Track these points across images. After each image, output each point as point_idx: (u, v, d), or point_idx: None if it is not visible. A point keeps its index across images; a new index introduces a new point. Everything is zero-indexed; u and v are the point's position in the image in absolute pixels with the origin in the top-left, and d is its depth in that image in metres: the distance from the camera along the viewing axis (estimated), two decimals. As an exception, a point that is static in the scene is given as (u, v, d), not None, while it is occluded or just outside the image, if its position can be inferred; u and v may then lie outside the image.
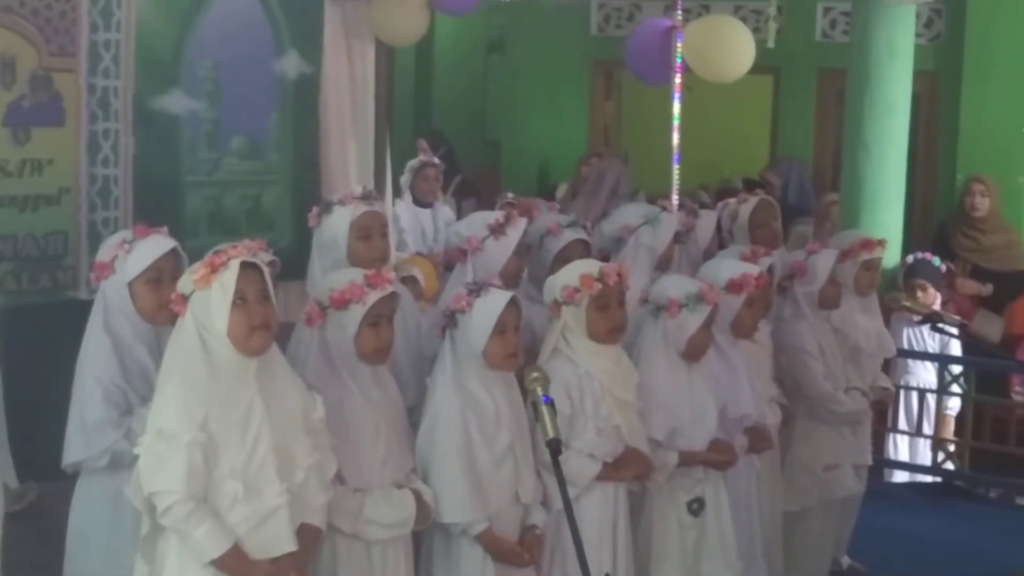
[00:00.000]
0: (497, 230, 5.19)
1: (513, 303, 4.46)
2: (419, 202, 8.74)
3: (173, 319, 3.88)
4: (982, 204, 8.87)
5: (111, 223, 5.32)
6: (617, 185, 9.08)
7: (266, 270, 3.84)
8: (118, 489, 4.20)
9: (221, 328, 3.73)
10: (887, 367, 8.18)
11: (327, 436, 3.97)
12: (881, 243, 6.30)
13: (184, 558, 3.74)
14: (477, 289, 4.49)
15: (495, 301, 4.43)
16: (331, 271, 4.67)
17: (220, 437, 3.69)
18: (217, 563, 3.71)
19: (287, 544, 3.78)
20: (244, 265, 3.76)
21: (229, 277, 3.73)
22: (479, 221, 5.30)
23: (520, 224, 5.26)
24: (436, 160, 9.62)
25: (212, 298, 3.74)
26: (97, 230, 5.32)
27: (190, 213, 5.62)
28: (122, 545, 4.25)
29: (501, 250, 5.18)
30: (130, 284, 4.38)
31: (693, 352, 5.02)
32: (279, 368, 3.89)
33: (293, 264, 5.83)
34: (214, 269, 3.74)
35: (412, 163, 8.98)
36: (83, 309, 4.69)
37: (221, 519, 3.70)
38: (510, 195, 8.18)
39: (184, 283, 3.81)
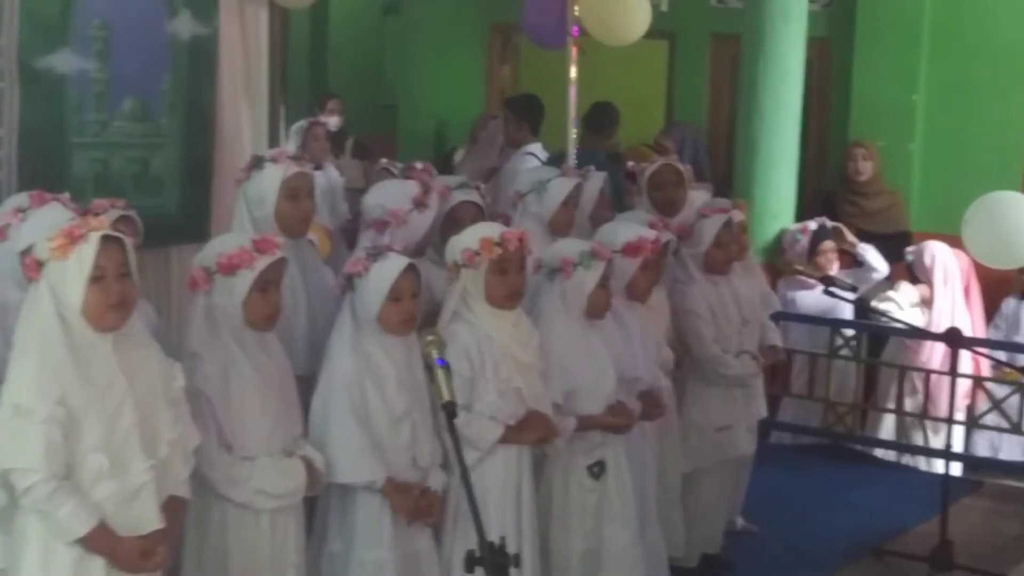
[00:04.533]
0: (421, 204, 5.20)
1: (411, 269, 4.44)
2: (311, 163, 8.63)
3: None
4: (864, 168, 9.02)
5: (-5, 184, 5.21)
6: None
7: (129, 244, 3.72)
8: None
9: (76, 303, 3.60)
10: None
11: (187, 406, 3.89)
12: (738, 205, 6.34)
13: (48, 538, 3.62)
14: (375, 253, 4.48)
15: (391, 267, 4.43)
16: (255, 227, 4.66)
17: (79, 411, 3.57)
18: (84, 541, 3.61)
19: (154, 521, 3.70)
20: (105, 239, 3.63)
21: (88, 251, 3.60)
22: (400, 194, 5.27)
23: (436, 196, 5.27)
24: (323, 119, 9.54)
25: (68, 271, 3.61)
26: (-21, 191, 5.20)
27: (76, 175, 5.48)
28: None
29: (423, 222, 5.24)
30: (22, 254, 4.28)
31: (594, 310, 5.05)
32: (138, 339, 3.78)
33: (182, 228, 5.76)
34: (73, 240, 3.61)
35: (299, 125, 8.88)
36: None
37: (86, 496, 3.60)
38: (384, 161, 8.15)
39: (40, 249, 3.67)
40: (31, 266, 3.67)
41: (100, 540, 3.62)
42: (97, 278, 3.61)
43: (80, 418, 3.58)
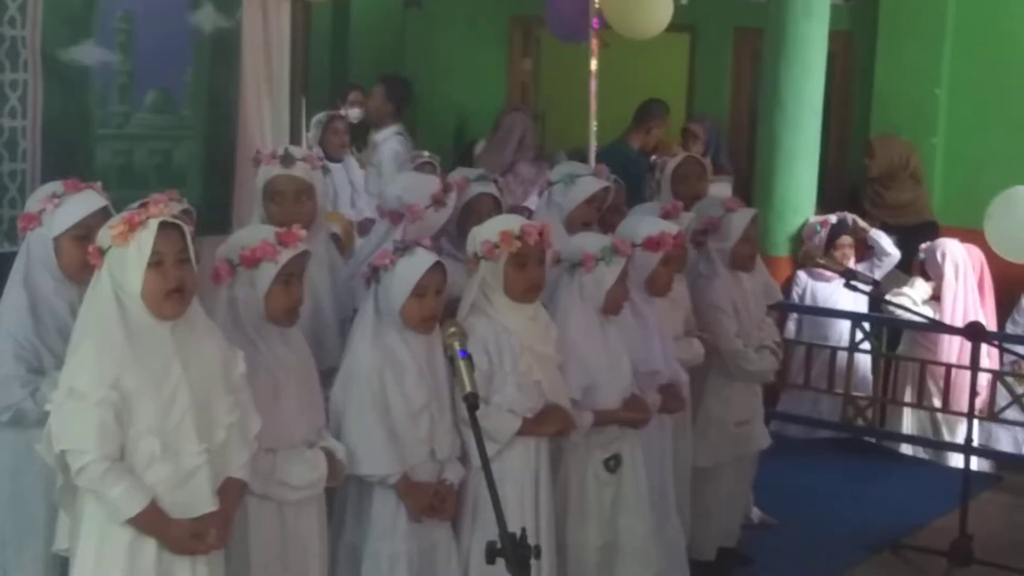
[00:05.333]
0: (439, 201, 5.20)
1: (437, 267, 4.45)
2: (329, 157, 8.66)
3: None
4: (870, 165, 9.04)
5: (18, 175, 5.23)
6: (524, 137, 9.09)
7: (187, 231, 3.79)
8: (23, 445, 4.15)
9: (135, 288, 3.67)
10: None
11: (248, 392, 3.93)
12: (740, 202, 6.35)
13: (103, 520, 3.69)
14: (404, 248, 4.48)
15: (418, 263, 4.43)
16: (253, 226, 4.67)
17: (134, 396, 3.64)
18: (134, 521, 3.66)
19: (207, 504, 3.75)
20: (164, 225, 3.70)
21: (147, 237, 3.67)
22: (422, 189, 5.27)
23: (454, 194, 5.28)
24: (343, 112, 9.56)
25: (128, 256, 3.68)
26: (3, 182, 5.22)
27: (99, 167, 5.51)
28: (26, 499, 4.22)
29: (439, 219, 5.24)
30: (56, 239, 4.33)
31: (611, 306, 5.04)
32: (198, 325, 3.84)
33: (204, 220, 5.77)
34: (132, 227, 3.68)
35: (319, 117, 8.90)
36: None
37: (138, 477, 3.65)
38: (426, 154, 8.15)
39: (103, 237, 3.75)
40: (94, 254, 3.74)
41: (151, 521, 3.66)
42: (156, 263, 3.67)
43: (134, 402, 3.64)
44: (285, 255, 4.14)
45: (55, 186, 4.45)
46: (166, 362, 3.70)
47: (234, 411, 3.85)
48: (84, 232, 4.23)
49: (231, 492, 3.86)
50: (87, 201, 4.36)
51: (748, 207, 6.18)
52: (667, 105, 9.54)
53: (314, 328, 4.82)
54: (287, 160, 4.95)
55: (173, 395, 3.69)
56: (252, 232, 4.34)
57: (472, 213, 5.29)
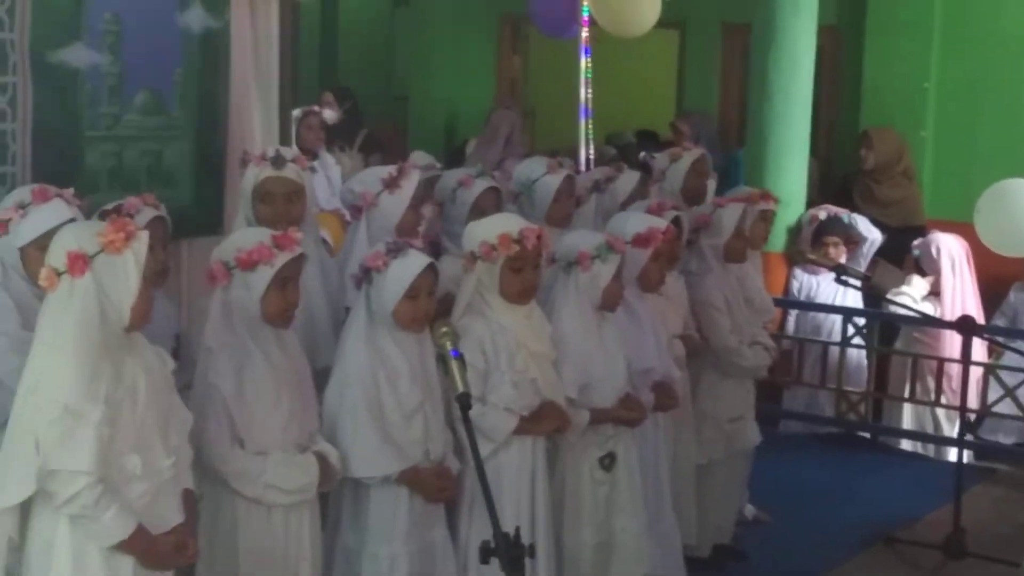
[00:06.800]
0: (391, 184, 5.14)
1: (430, 268, 4.43)
2: (304, 152, 8.62)
3: None
4: (867, 157, 9.04)
5: (8, 179, 5.20)
6: (511, 135, 9.07)
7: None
8: None
9: (128, 300, 3.55)
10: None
11: (175, 390, 3.86)
12: (774, 198, 6.36)
13: (78, 540, 3.56)
14: (396, 249, 4.45)
15: (411, 264, 4.40)
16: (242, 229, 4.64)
17: (115, 412, 3.53)
18: (125, 544, 3.57)
19: (176, 516, 3.70)
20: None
21: (140, 248, 3.56)
22: (372, 176, 5.25)
23: (414, 176, 5.22)
24: (316, 108, 9.54)
25: (124, 266, 3.54)
26: (-7, 186, 5.22)
27: (89, 169, 5.50)
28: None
29: (397, 204, 5.13)
30: (22, 249, 4.27)
31: (608, 303, 5.04)
32: (141, 337, 3.73)
33: (196, 221, 5.77)
34: (128, 236, 3.54)
35: (294, 113, 8.85)
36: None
37: (123, 497, 3.56)
38: (432, 159, 8.11)
39: (87, 241, 3.56)
40: (77, 259, 3.52)
41: (140, 541, 3.58)
42: (145, 276, 3.59)
43: (116, 418, 3.54)
44: (281, 258, 4.11)
45: (23, 194, 4.38)
46: (135, 376, 3.61)
47: (180, 412, 3.79)
48: (48, 243, 4.13)
49: (189, 502, 3.80)
50: (55, 212, 4.27)
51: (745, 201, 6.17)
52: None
53: (306, 328, 4.81)
54: (278, 161, 4.89)
55: (145, 409, 3.61)
56: (248, 234, 4.29)
57: (481, 212, 5.26)
